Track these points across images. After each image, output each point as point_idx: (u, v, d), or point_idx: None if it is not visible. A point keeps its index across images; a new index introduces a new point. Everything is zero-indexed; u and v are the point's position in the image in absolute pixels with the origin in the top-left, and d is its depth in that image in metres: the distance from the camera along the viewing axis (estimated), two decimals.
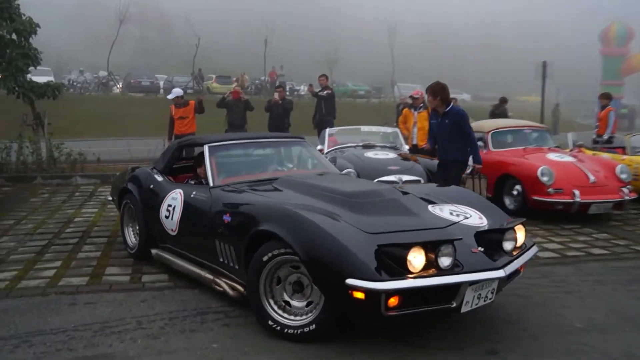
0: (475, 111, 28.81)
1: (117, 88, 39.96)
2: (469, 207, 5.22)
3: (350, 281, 3.99)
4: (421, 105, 12.24)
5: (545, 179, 8.89)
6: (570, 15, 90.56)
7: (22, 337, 4.50)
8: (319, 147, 10.78)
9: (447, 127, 7.67)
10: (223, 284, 5.18)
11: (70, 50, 58.56)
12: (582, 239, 7.99)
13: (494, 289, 4.49)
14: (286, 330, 4.51)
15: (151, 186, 6.49)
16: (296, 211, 4.55)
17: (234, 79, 39.65)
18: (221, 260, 5.22)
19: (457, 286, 4.21)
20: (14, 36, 12.36)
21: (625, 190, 9.07)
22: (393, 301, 4.02)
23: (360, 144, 10.94)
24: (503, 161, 9.91)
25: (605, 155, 10.85)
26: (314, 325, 4.43)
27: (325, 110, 14.46)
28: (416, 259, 4.10)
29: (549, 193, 8.85)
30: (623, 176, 9.32)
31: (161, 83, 42.08)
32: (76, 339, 4.50)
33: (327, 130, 11.56)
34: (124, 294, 5.54)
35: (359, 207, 4.78)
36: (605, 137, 12.67)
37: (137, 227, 6.71)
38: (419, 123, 12.06)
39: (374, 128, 12.54)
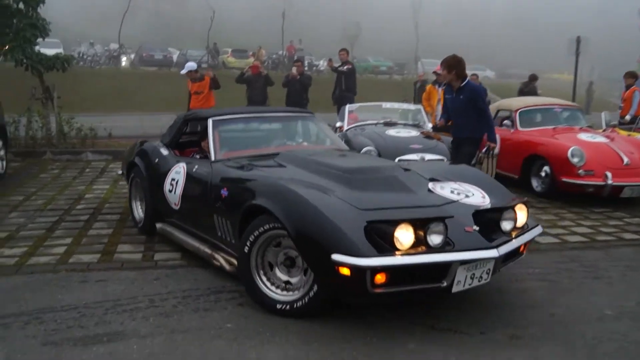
0: (502, 89, 28.60)
1: (128, 59, 39.90)
2: (473, 186, 5.24)
3: (335, 257, 4.08)
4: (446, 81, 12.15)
5: (575, 160, 8.85)
6: None
7: (32, 314, 4.59)
8: (338, 124, 10.79)
9: (462, 103, 7.59)
10: (220, 259, 5.34)
11: (80, 22, 58.63)
12: (613, 223, 7.96)
13: (489, 270, 4.54)
14: (277, 305, 4.64)
15: (156, 160, 6.67)
16: (287, 186, 4.67)
17: (250, 53, 39.58)
18: (219, 234, 5.38)
19: (447, 265, 4.28)
20: (21, 5, 12.39)
21: None
22: (380, 278, 4.11)
23: (382, 122, 10.92)
24: (531, 141, 9.87)
25: None
26: (304, 301, 4.54)
27: (346, 86, 14.42)
28: (404, 236, 4.17)
29: (580, 175, 8.81)
30: None
31: (174, 57, 42.14)
32: (87, 316, 4.58)
33: (347, 107, 11.53)
34: (136, 272, 5.62)
35: (355, 182, 4.86)
36: (628, 117, 12.56)
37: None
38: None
39: (396, 105, 12.48)
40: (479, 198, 5.00)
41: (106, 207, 8.17)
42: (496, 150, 7.75)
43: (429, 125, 11.04)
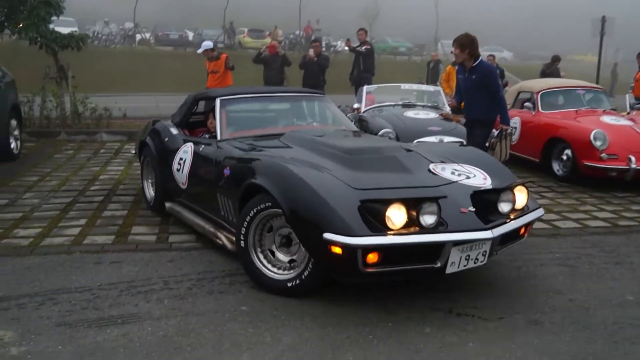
0: (524, 71, 28.42)
1: (143, 37, 39.87)
2: (475, 168, 5.25)
3: (327, 235, 4.14)
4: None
5: (598, 143, 8.77)
6: None
7: (46, 295, 4.63)
8: (355, 105, 10.75)
9: (474, 84, 7.47)
10: (222, 237, 5.44)
11: (95, 0, 58.70)
12: (635, 208, 7.90)
13: (485, 252, 4.54)
14: (272, 283, 4.73)
15: (166, 139, 6.78)
16: (283, 165, 4.74)
17: (267, 33, 39.53)
18: (222, 213, 5.49)
19: (440, 245, 4.30)
20: None
21: None
22: (372, 257, 4.16)
23: (400, 103, 10.89)
24: (553, 124, 9.81)
25: None
26: (299, 280, 4.61)
27: (364, 67, 14.37)
28: (396, 215, 4.20)
29: (602, 158, 8.73)
30: None
31: (190, 36, 42.13)
32: (102, 297, 4.62)
33: (365, 88, 11.50)
34: (151, 253, 5.65)
35: (353, 163, 4.91)
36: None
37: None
38: None
39: (414, 86, 12.44)
40: (480, 179, 5.02)
41: (121, 188, 8.22)
42: (509, 131, 7.62)
43: (448, 107, 11.00)
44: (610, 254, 6.04)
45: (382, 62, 26.69)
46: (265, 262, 4.83)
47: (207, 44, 12.98)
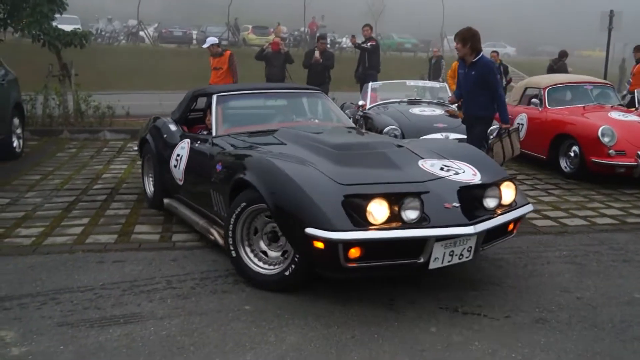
0: (531, 66, 28.35)
1: (146, 35, 39.94)
2: (466, 164, 5.26)
3: (309, 230, 4.20)
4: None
5: (606, 139, 8.73)
6: None
7: (48, 295, 4.64)
8: (360, 102, 10.74)
9: (473, 79, 7.40)
10: (215, 233, 5.50)
11: None
12: None
13: (470, 247, 4.56)
14: (259, 278, 4.81)
15: (165, 136, 6.86)
16: (269, 160, 4.82)
17: (271, 29, 39.52)
18: (215, 209, 5.55)
19: (423, 241, 4.33)
20: None
21: None
22: (354, 252, 4.21)
23: (406, 100, 10.87)
24: (560, 120, 9.77)
25: None
26: (285, 274, 4.66)
27: (369, 64, 14.32)
28: (377, 210, 4.24)
29: (610, 155, 8.70)
30: None
31: (194, 33, 42.16)
32: (104, 297, 4.62)
33: (370, 84, 11.49)
34: (154, 252, 5.65)
35: (341, 158, 4.97)
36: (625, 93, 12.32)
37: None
38: None
39: (420, 82, 12.43)
40: (469, 175, 5.03)
41: (124, 187, 8.22)
42: (515, 127, 7.53)
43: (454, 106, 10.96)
44: (619, 251, 6.02)
45: (388, 59, 26.68)
46: (252, 255, 4.89)
47: (212, 40, 13.01)
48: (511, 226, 5.03)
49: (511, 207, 4.93)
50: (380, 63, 14.77)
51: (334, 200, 4.32)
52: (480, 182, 4.92)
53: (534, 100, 10.53)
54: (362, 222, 4.21)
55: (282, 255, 4.77)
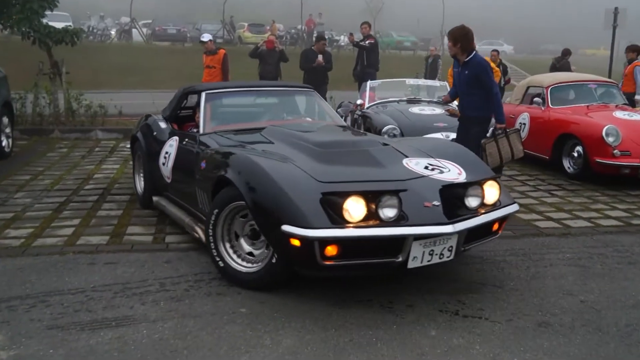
0: (534, 65, 28.37)
1: (139, 33, 39.91)
2: (452, 163, 5.28)
3: (285, 228, 4.25)
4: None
5: (610, 139, 8.73)
6: None
7: (38, 297, 4.62)
8: (359, 101, 10.74)
9: (466, 79, 7.34)
10: (199, 230, 5.52)
11: None
12: None
13: (451, 247, 4.57)
14: (238, 276, 4.87)
15: (154, 133, 6.94)
16: (249, 157, 4.88)
17: (267, 27, 39.57)
18: (200, 206, 5.59)
19: (401, 239, 4.35)
20: None
21: None
22: (331, 250, 4.24)
23: (405, 99, 10.87)
24: (563, 119, 9.77)
25: None
26: (263, 272, 4.72)
27: (367, 62, 14.30)
28: (354, 208, 4.27)
29: (614, 155, 8.69)
30: None
31: (188, 31, 42.17)
32: (95, 299, 4.60)
33: (369, 83, 11.49)
34: (147, 254, 5.64)
35: (324, 156, 5.03)
36: (638, 97, 12.27)
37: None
38: None
39: (419, 81, 12.45)
40: (454, 174, 5.06)
41: (116, 188, 8.21)
42: (514, 130, 7.47)
43: (455, 103, 10.96)
44: (624, 253, 6.01)
45: (387, 57, 26.68)
46: (231, 251, 4.94)
47: (205, 36, 13.17)
48: (496, 226, 5.06)
49: (495, 206, 4.94)
50: (379, 61, 14.76)
51: (312, 198, 4.36)
52: (464, 181, 4.93)
53: (536, 99, 10.53)
54: (339, 220, 4.24)
55: (267, 248, 4.77)
